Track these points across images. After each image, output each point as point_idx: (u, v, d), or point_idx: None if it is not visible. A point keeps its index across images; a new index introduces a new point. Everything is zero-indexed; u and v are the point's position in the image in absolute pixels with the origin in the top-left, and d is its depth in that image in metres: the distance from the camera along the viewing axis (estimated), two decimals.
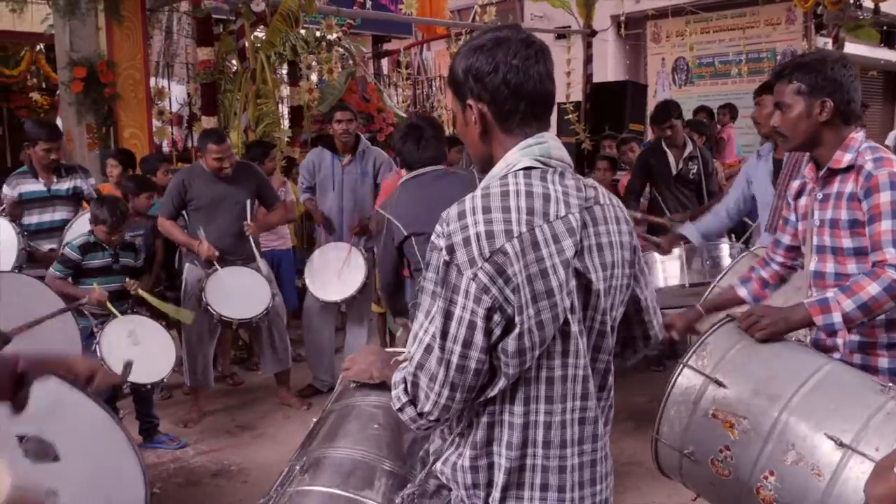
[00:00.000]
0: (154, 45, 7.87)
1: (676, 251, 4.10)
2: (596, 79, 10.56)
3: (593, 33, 10.20)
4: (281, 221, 5.14)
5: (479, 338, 1.37)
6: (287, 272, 5.76)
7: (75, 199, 4.85)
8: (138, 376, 3.80)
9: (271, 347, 4.90)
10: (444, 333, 1.39)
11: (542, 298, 1.37)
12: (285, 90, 8.25)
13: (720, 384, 2.02)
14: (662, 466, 2.22)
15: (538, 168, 1.47)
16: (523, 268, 1.36)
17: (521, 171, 1.46)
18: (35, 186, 4.72)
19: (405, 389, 1.46)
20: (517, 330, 1.37)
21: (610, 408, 1.58)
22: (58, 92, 6.81)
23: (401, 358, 1.73)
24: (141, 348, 3.81)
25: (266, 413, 4.97)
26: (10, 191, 4.69)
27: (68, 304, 3.59)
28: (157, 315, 4.44)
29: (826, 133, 2.26)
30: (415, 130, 3.44)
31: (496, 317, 1.36)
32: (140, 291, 4.15)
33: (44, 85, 10.79)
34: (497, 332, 1.38)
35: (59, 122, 6.77)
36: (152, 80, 6.96)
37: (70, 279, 4.05)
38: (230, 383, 5.50)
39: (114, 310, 3.94)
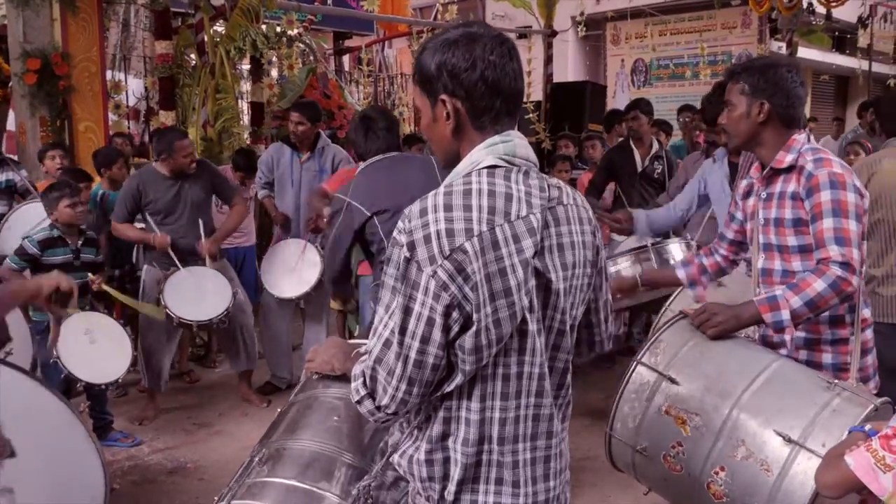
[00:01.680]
0: (111, 38, 7.73)
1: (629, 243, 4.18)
2: (556, 79, 10.67)
3: (554, 34, 10.30)
4: (237, 224, 5.02)
5: (437, 334, 1.38)
6: (250, 269, 5.71)
7: (8, 193, 4.71)
8: (93, 376, 3.75)
9: (239, 345, 4.87)
10: (403, 329, 1.40)
11: (500, 297, 1.39)
12: (246, 86, 8.17)
13: (673, 381, 2.07)
14: (616, 462, 2.27)
15: (503, 167, 1.47)
16: (482, 266, 1.37)
17: (486, 170, 1.46)
18: None
19: (364, 383, 1.47)
20: (474, 328, 1.38)
21: (567, 405, 1.60)
22: (10, 83, 6.65)
23: (362, 350, 1.75)
24: (97, 347, 3.75)
25: (223, 411, 4.93)
26: None
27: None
28: (115, 310, 4.36)
29: (766, 133, 2.34)
30: (367, 121, 3.47)
31: (454, 314, 1.38)
32: (104, 286, 4.09)
33: None
34: (455, 328, 1.39)
35: (10, 114, 6.61)
36: (109, 74, 6.83)
37: (28, 273, 3.97)
38: (187, 381, 5.45)
39: (115, 294, 3.89)
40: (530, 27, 10.75)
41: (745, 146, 2.43)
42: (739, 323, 2.19)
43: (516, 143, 1.50)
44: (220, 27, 6.96)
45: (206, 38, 6.53)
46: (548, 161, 6.90)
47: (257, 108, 7.49)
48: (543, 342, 1.49)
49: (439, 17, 10.06)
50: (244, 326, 4.83)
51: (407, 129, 10.40)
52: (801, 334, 2.34)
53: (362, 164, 3.50)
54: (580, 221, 1.55)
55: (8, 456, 2.20)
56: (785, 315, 2.14)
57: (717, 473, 1.97)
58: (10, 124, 6.89)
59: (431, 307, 1.37)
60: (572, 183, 6.29)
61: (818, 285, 2.12)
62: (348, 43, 11.10)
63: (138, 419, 4.66)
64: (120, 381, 3.94)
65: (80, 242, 4.15)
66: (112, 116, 6.70)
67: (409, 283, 1.39)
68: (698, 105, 5.47)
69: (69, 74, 5.80)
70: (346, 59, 11.53)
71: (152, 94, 7.22)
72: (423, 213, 1.41)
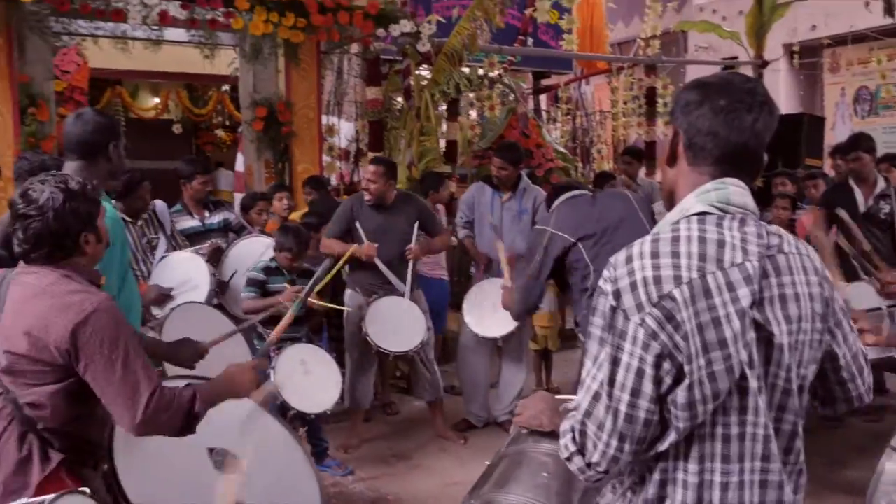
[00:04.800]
0: (326, 85, 8.31)
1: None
2: None
3: (764, 64, 9.73)
4: (443, 247, 5.25)
5: (647, 386, 1.32)
6: (440, 302, 5.84)
7: (225, 231, 5.11)
8: (305, 406, 3.96)
9: (422, 376, 4.99)
10: (612, 381, 1.35)
11: (715, 349, 1.31)
12: (443, 125, 8.45)
13: None
14: None
15: (714, 214, 1.41)
16: (693, 315, 1.31)
17: (696, 216, 1.41)
18: (191, 223, 4.96)
19: (573, 438, 1.42)
20: (687, 381, 1.31)
21: (800, 474, 1.46)
22: (240, 129, 7.33)
23: (570, 406, 1.69)
24: (310, 377, 3.97)
25: (422, 444, 5.02)
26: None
27: (252, 321, 3.77)
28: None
29: None
30: None
31: (666, 364, 1.32)
32: (313, 302, 4.32)
33: (227, 123, 11.69)
34: (667, 381, 1.32)
35: (239, 157, 7.28)
36: (324, 118, 7.35)
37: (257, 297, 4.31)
38: (388, 412, 5.61)
39: (300, 297, 4.12)
40: (737, 58, 10.25)
41: None
42: None
43: (731, 190, 1.42)
44: (425, 72, 7.25)
45: (412, 83, 6.84)
46: (762, 200, 6.47)
47: (452, 147, 7.71)
48: (766, 401, 1.37)
49: (640, 52, 9.86)
50: (426, 357, 4.94)
51: (605, 166, 10.25)
52: None
53: (559, 199, 3.50)
54: (805, 271, 1.43)
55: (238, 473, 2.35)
56: None
57: None
58: (239, 165, 7.59)
59: (641, 357, 1.32)
60: (791, 223, 5.85)
61: None
62: (546, 82, 11.17)
63: (342, 447, 4.85)
64: (329, 412, 4.12)
65: (296, 274, 4.44)
66: (325, 158, 7.18)
67: (616, 333, 1.35)
68: None
69: (291, 121, 6.30)
70: (543, 97, 11.61)
71: (362, 137, 7.65)
72: (629, 260, 1.38)
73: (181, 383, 2.11)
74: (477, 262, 5.37)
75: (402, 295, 4.77)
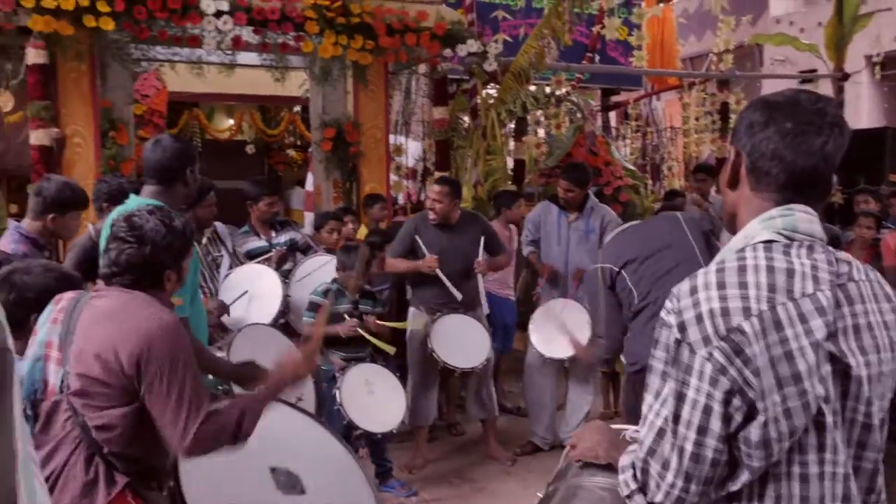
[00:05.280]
0: (394, 105, 8.41)
1: None
2: (849, 125, 9.67)
3: (845, 77, 9.38)
4: (505, 264, 5.25)
5: (715, 424, 1.26)
6: (506, 320, 5.82)
7: (292, 251, 5.15)
8: (370, 425, 3.97)
9: (477, 394, 4.96)
10: (677, 417, 1.29)
11: (789, 384, 1.24)
12: (510, 144, 8.42)
13: None
14: None
15: (780, 241, 1.34)
16: (765, 349, 1.24)
17: (762, 244, 1.34)
18: (258, 243, 5.02)
19: (634, 475, 1.37)
20: (761, 418, 1.24)
21: None
22: (310, 149, 7.46)
23: (628, 436, 1.63)
24: (375, 397, 3.98)
25: (487, 466, 4.96)
26: (240, 250, 4.98)
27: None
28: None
29: None
30: None
31: (735, 401, 1.25)
32: (371, 334, 4.34)
33: (298, 143, 11.93)
34: (737, 418, 1.26)
35: (309, 176, 7.40)
36: (391, 138, 7.42)
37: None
38: (453, 433, 5.58)
39: (366, 334, 4.18)
40: (815, 70, 9.92)
41: None
42: None
43: (798, 217, 1.35)
44: (492, 90, 7.26)
45: (479, 102, 6.84)
46: (844, 218, 6.23)
47: (520, 166, 7.68)
48: (844, 437, 1.30)
49: (712, 67, 9.64)
50: (482, 376, 4.91)
51: (676, 183, 10.04)
52: None
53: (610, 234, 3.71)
54: (877, 299, 1.36)
55: (298, 493, 2.37)
56: None
57: None
58: (308, 184, 7.72)
59: (708, 393, 1.26)
60: (875, 243, 5.60)
61: None
62: (615, 98, 11.04)
63: (406, 467, 4.84)
64: (394, 431, 4.13)
65: (358, 295, 4.46)
66: (393, 177, 7.24)
67: (680, 367, 1.29)
68: None
69: (359, 141, 6.37)
70: (613, 114, 11.48)
71: (429, 156, 7.69)
72: (693, 290, 1.31)
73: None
74: (540, 273, 5.30)
75: (465, 311, 4.77)
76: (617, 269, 3.33)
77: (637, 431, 1.60)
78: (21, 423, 0.91)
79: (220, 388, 2.62)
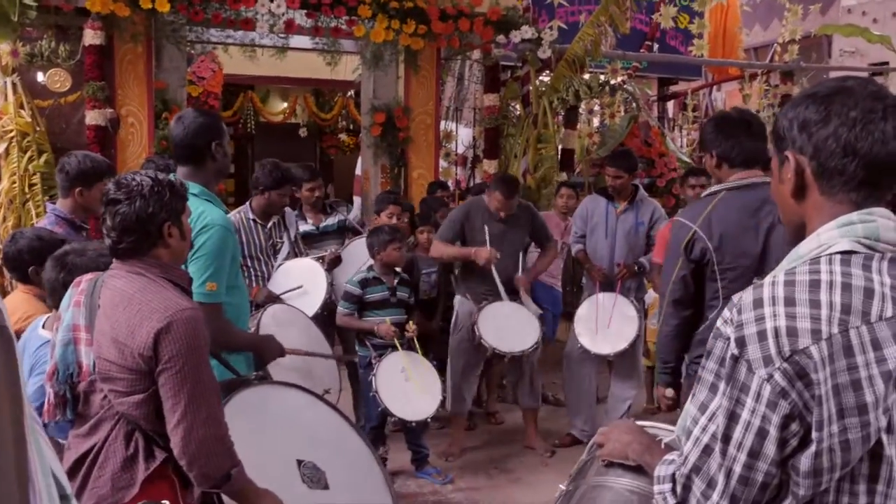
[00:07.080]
0: (446, 91, 8.36)
1: None
2: None
3: None
4: (549, 264, 5.15)
5: (770, 448, 1.18)
6: (552, 309, 5.76)
7: (341, 233, 5.15)
8: (406, 413, 3.96)
9: (529, 381, 4.92)
10: (727, 437, 1.21)
11: (852, 415, 1.15)
12: (561, 133, 8.28)
13: None
14: None
15: (861, 253, 1.23)
16: (830, 376, 1.15)
17: (839, 256, 1.23)
18: (306, 227, 5.00)
19: (673, 490, 1.30)
20: (814, 447, 1.16)
21: None
22: (360, 133, 7.48)
23: (663, 440, 1.56)
24: (411, 385, 3.97)
25: (524, 456, 4.92)
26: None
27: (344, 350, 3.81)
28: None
29: None
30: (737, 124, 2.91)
31: (794, 426, 1.17)
32: (415, 340, 4.31)
33: (351, 127, 12.00)
34: (793, 443, 1.18)
35: (359, 161, 7.42)
36: (442, 124, 7.37)
37: (356, 314, 4.36)
38: (493, 422, 5.55)
39: (398, 344, 4.16)
40: (887, 63, 9.52)
41: None
42: None
43: (880, 223, 1.24)
44: (545, 78, 7.15)
45: (531, 90, 6.75)
46: None
47: (568, 155, 7.55)
48: None
49: (776, 57, 9.33)
50: (533, 363, 4.86)
51: None
52: None
53: (718, 187, 3.00)
54: None
55: (322, 488, 2.36)
56: None
57: None
58: (358, 169, 7.75)
59: (764, 416, 1.17)
60: None
61: None
62: (674, 88, 10.78)
63: (444, 455, 4.83)
64: (429, 420, 4.11)
65: (395, 281, 4.44)
66: (442, 163, 7.20)
67: (735, 385, 1.21)
68: None
69: (408, 126, 6.36)
70: (670, 104, 11.21)
71: (479, 143, 7.63)
72: (758, 304, 1.21)
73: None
74: (592, 276, 5.15)
75: (511, 298, 4.72)
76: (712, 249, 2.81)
77: (670, 432, 1.53)
78: (25, 391, 0.92)
79: (254, 374, 2.61)
